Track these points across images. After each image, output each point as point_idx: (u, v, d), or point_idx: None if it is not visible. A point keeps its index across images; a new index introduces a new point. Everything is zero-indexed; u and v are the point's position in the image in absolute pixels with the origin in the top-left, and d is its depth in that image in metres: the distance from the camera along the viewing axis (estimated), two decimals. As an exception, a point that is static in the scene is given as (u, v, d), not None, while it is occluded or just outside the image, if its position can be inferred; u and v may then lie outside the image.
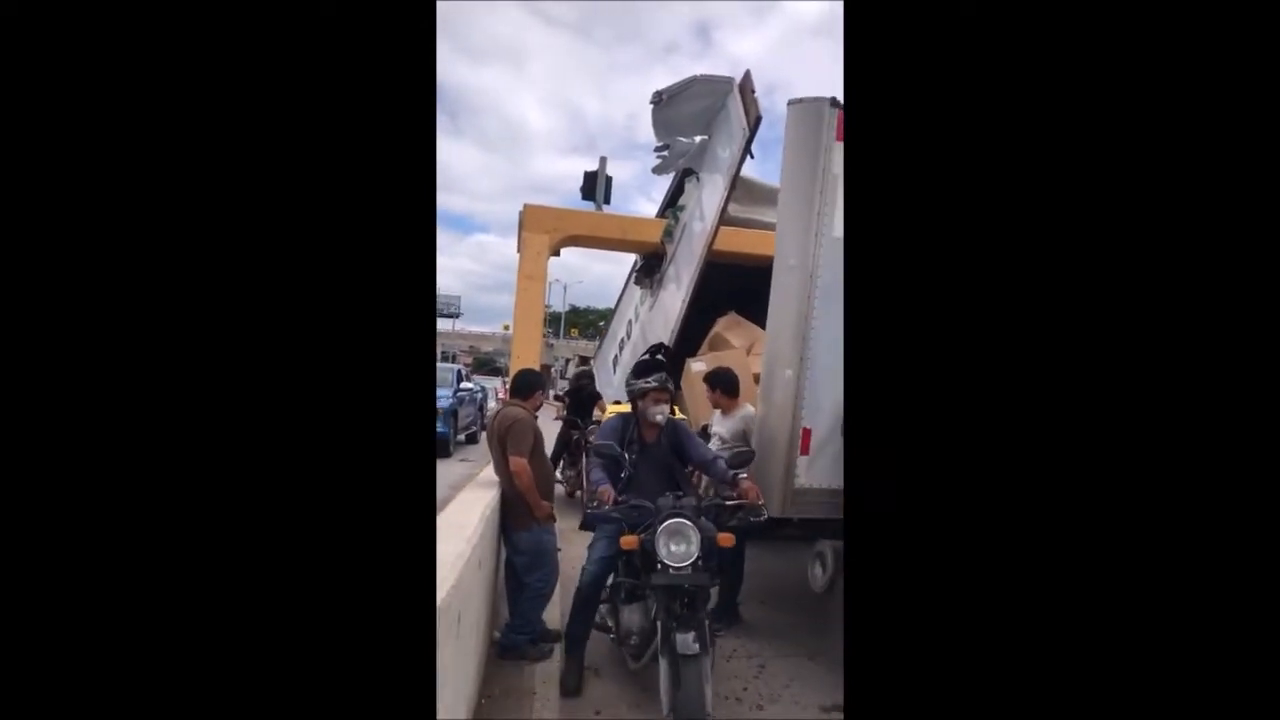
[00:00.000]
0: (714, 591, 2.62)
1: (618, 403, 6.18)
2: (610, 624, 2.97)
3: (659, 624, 2.45)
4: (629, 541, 2.54)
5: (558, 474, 6.01)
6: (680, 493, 2.75)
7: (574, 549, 4.78)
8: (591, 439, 5.97)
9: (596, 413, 6.61)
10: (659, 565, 2.43)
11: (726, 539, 2.53)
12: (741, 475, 2.84)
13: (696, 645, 2.29)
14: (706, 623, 2.41)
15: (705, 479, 3.39)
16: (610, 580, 2.91)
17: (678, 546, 2.44)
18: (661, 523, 2.47)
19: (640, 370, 3.04)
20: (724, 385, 3.60)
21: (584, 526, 2.71)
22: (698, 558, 2.43)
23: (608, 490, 2.70)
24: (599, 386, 7.21)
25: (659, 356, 3.22)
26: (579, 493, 6.05)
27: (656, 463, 2.97)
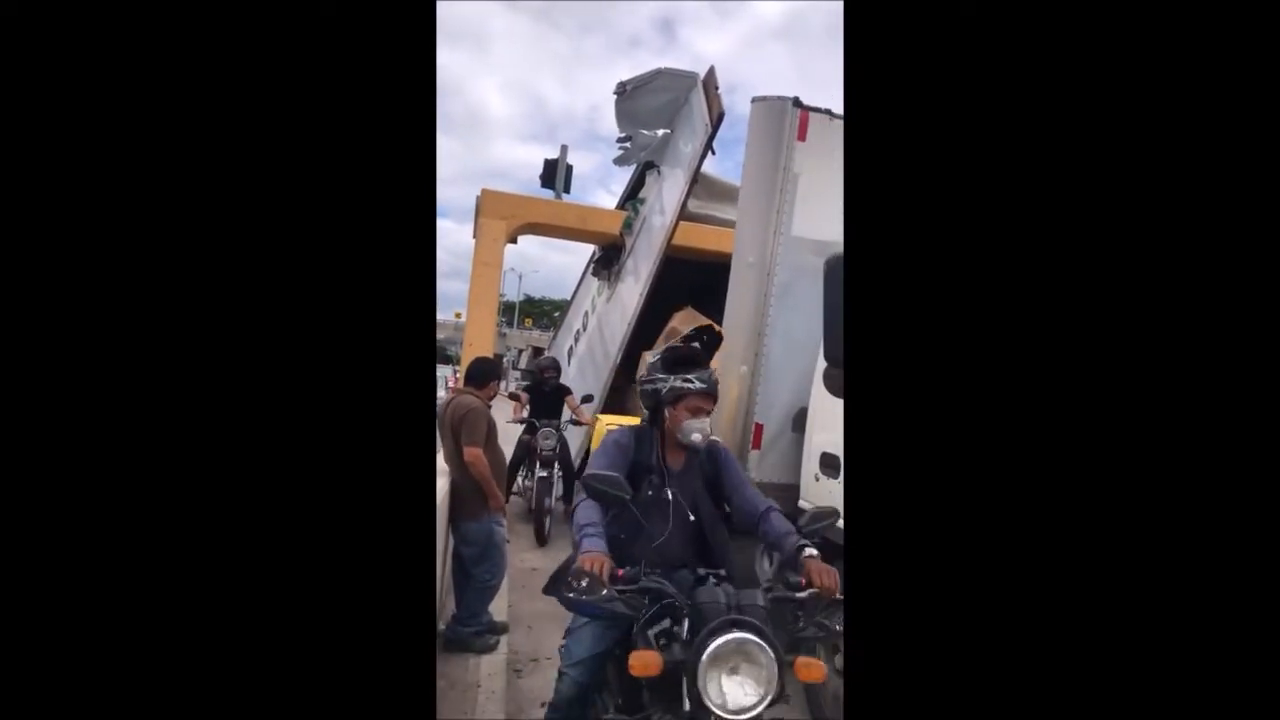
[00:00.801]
0: None
1: (587, 399, 5.58)
2: None
3: None
4: (645, 664, 1.37)
5: (515, 484, 5.31)
6: (720, 571, 1.66)
7: (521, 540, 4.75)
8: (545, 443, 4.99)
9: (567, 412, 5.45)
10: (693, 704, 1.36)
11: (812, 669, 1.41)
12: (810, 551, 1.62)
13: None
14: None
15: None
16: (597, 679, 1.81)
17: (741, 684, 1.32)
18: (711, 636, 1.34)
19: (672, 362, 1.88)
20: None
21: (550, 593, 1.67)
22: (771, 699, 1.34)
23: (601, 560, 1.47)
24: None
25: (699, 341, 2.00)
26: (547, 503, 5.00)
27: (682, 503, 1.84)
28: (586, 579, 1.41)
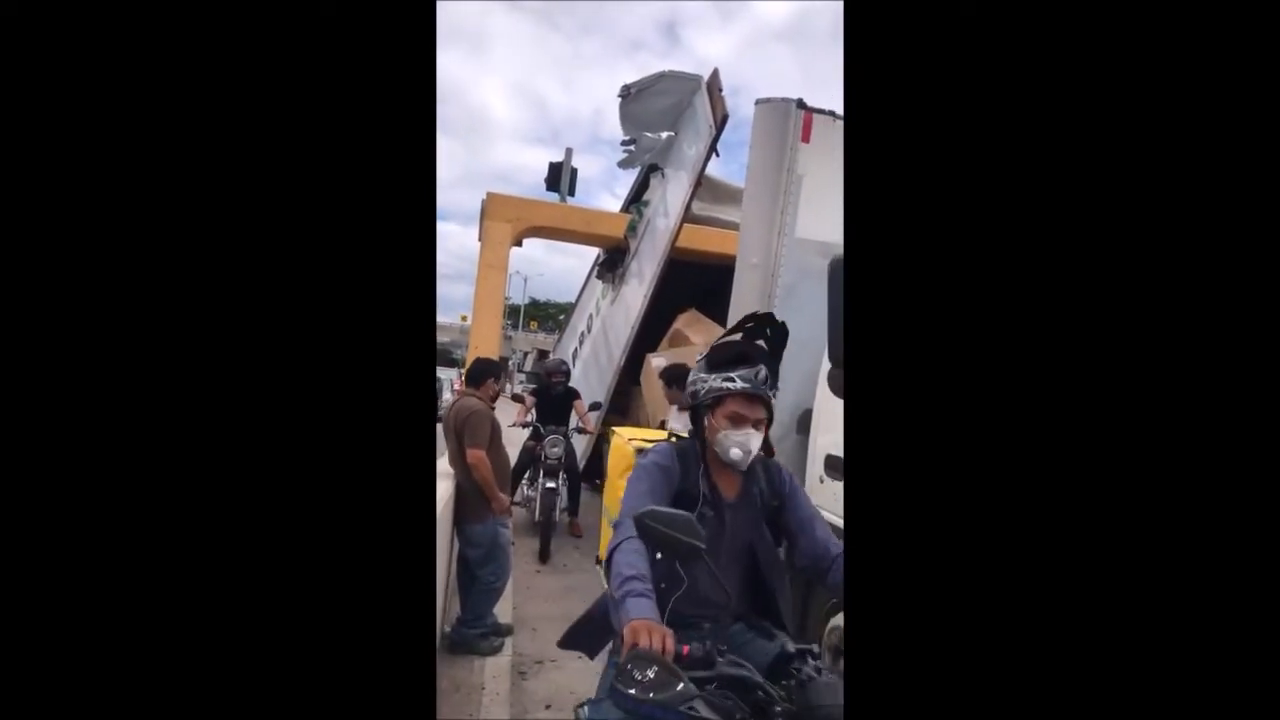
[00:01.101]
0: None
1: (595, 406, 5.37)
2: None
3: None
4: None
5: (519, 493, 5.02)
6: (813, 648, 1.28)
7: (526, 543, 4.75)
8: (552, 450, 4.66)
9: (575, 419, 5.18)
10: None
11: None
12: None
13: None
14: None
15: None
16: None
17: None
18: None
19: (720, 359, 1.49)
20: (681, 382, 3.63)
21: (569, 647, 1.46)
22: None
23: (661, 634, 1.07)
24: None
25: (759, 336, 1.56)
26: (553, 516, 4.68)
27: (736, 542, 1.48)
28: (653, 667, 1.00)
